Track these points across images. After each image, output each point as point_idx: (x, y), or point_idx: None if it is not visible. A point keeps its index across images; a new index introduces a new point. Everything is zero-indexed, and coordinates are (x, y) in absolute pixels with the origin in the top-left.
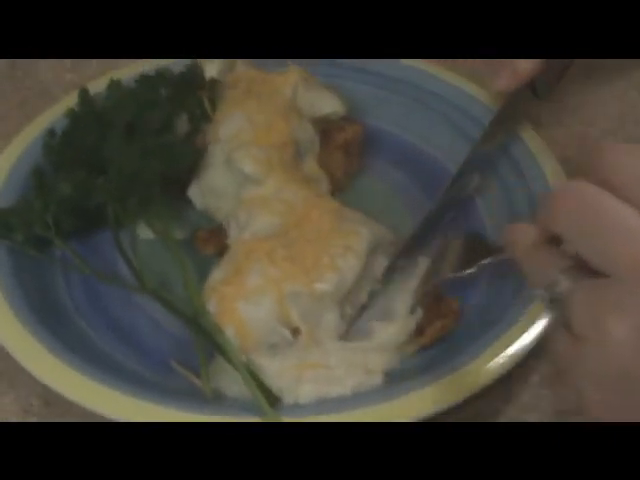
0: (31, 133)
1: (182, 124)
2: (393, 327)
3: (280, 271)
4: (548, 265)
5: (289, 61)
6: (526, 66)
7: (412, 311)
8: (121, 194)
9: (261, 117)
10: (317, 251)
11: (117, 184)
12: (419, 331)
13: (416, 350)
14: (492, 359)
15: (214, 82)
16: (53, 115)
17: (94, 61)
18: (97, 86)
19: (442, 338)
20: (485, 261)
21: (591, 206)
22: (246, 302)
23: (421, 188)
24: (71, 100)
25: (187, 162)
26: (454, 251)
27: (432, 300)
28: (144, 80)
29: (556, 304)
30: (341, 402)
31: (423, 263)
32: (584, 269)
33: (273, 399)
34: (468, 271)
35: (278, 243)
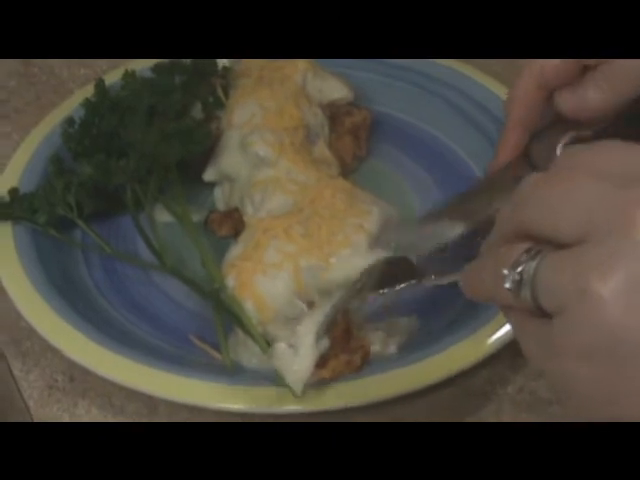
0: (49, 124)
1: (196, 111)
2: (296, 357)
3: (296, 247)
4: (510, 250)
5: None
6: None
7: (319, 338)
8: (141, 176)
9: (273, 103)
10: (331, 228)
11: (137, 166)
12: (323, 362)
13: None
14: (500, 326)
15: (227, 70)
16: (70, 106)
17: None
18: (110, 78)
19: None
20: (404, 284)
21: (548, 184)
22: (264, 276)
23: (427, 170)
24: (86, 93)
25: (205, 145)
26: (375, 273)
27: (341, 333)
28: (160, 69)
29: (520, 288)
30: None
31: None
32: (545, 247)
33: None
34: (383, 291)
35: (294, 220)
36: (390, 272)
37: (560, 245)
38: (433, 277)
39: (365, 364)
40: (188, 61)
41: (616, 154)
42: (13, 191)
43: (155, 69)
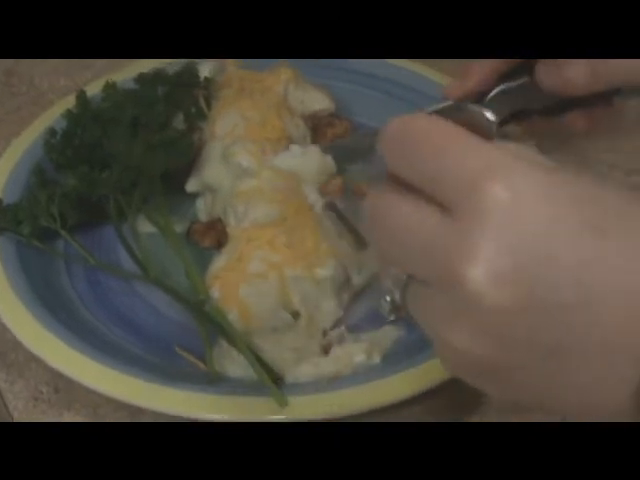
0: (30, 135)
1: (178, 122)
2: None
3: (281, 257)
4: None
5: (279, 61)
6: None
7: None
8: (125, 187)
9: (255, 114)
10: (316, 238)
11: (122, 177)
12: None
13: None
14: None
15: (209, 81)
16: (51, 117)
17: (88, 67)
18: (92, 90)
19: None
20: None
21: (378, 219)
22: (248, 287)
23: None
24: (67, 104)
25: (189, 156)
26: None
27: None
28: (143, 80)
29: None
30: (341, 380)
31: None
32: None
33: (276, 378)
34: None
35: (278, 230)
36: None
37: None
38: None
39: None
40: (171, 72)
41: (442, 160)
42: None
43: (138, 80)
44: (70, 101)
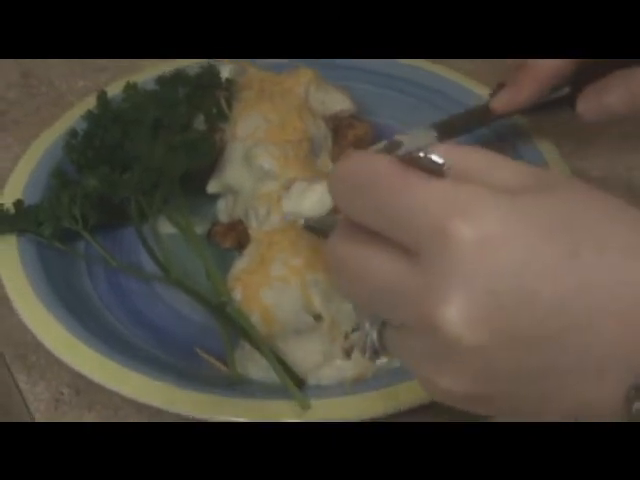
0: (50, 136)
1: (199, 123)
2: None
3: (303, 260)
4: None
5: (298, 62)
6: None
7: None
8: (146, 188)
9: (276, 116)
10: None
11: (143, 179)
12: None
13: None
14: None
15: (230, 83)
16: (70, 118)
17: (106, 68)
18: (112, 90)
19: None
20: None
21: (341, 271)
22: (271, 290)
23: None
24: (86, 105)
25: (210, 157)
26: None
27: None
28: (164, 81)
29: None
30: (363, 383)
31: None
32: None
33: (298, 381)
34: None
35: (300, 234)
36: None
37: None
38: None
39: None
40: (191, 73)
41: (397, 203)
42: (18, 203)
43: (159, 81)
44: (90, 102)
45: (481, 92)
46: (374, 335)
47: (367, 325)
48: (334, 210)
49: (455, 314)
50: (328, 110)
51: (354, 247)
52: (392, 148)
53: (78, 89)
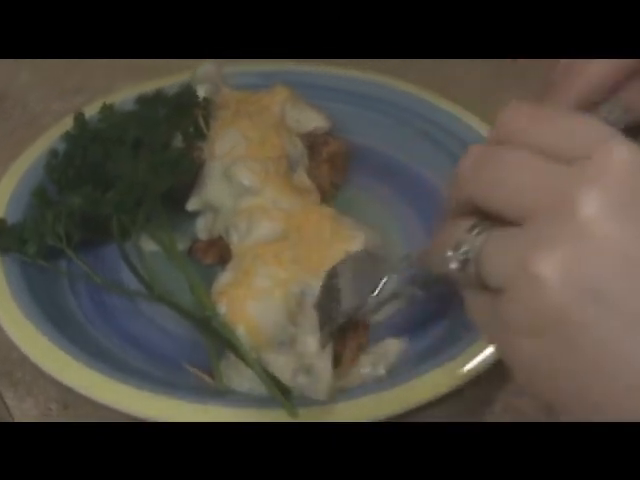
0: (30, 157)
1: (177, 142)
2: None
3: (287, 272)
4: (453, 229)
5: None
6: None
7: (323, 346)
8: (129, 206)
9: (254, 133)
10: (320, 254)
11: (126, 197)
12: (337, 360)
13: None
14: (484, 348)
15: (207, 102)
16: (48, 140)
17: (81, 90)
18: (88, 112)
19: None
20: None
21: (490, 160)
22: (256, 302)
23: (402, 196)
24: (63, 127)
25: (191, 174)
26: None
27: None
28: (144, 100)
29: (466, 266)
30: (347, 392)
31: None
32: (489, 224)
33: (285, 391)
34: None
35: (283, 246)
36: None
37: (505, 221)
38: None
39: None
40: (170, 93)
41: (562, 126)
42: (1, 222)
43: (139, 101)
44: (67, 123)
45: (452, 110)
46: (478, 241)
47: (472, 233)
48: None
49: (599, 201)
50: (303, 128)
51: (504, 149)
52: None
53: (53, 111)
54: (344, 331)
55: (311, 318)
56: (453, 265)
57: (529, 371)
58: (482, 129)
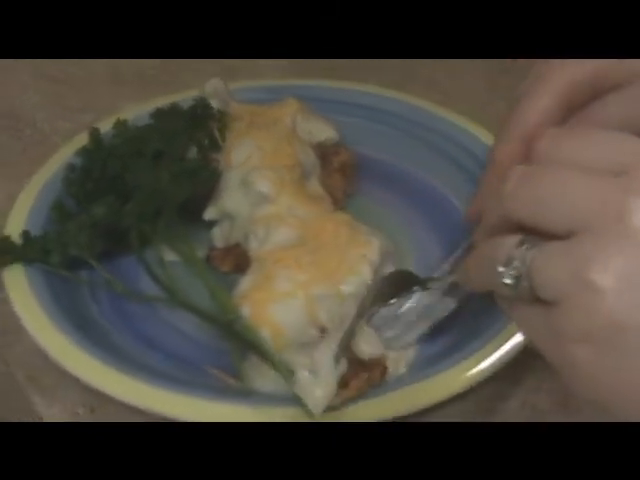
0: (45, 173)
1: (192, 154)
2: (317, 384)
3: (307, 276)
4: (502, 245)
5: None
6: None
7: (337, 361)
8: (150, 216)
9: (268, 143)
10: (337, 258)
11: (147, 206)
12: (344, 383)
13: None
14: (499, 346)
15: (222, 114)
16: (62, 156)
17: (87, 110)
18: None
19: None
20: (409, 292)
21: (533, 178)
22: (277, 305)
23: (409, 203)
24: (74, 143)
25: (210, 184)
26: (378, 287)
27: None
28: (160, 114)
29: (519, 281)
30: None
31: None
32: (537, 238)
33: None
34: (391, 302)
35: (302, 251)
36: (394, 286)
37: (552, 235)
38: (435, 282)
39: (383, 379)
40: (185, 106)
41: (600, 142)
42: (25, 234)
43: (155, 114)
44: (78, 141)
45: (453, 118)
46: (529, 256)
47: (522, 249)
48: None
49: None
50: (314, 138)
51: (549, 167)
52: None
53: (62, 130)
54: (363, 362)
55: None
56: (507, 281)
57: (587, 379)
58: (480, 134)
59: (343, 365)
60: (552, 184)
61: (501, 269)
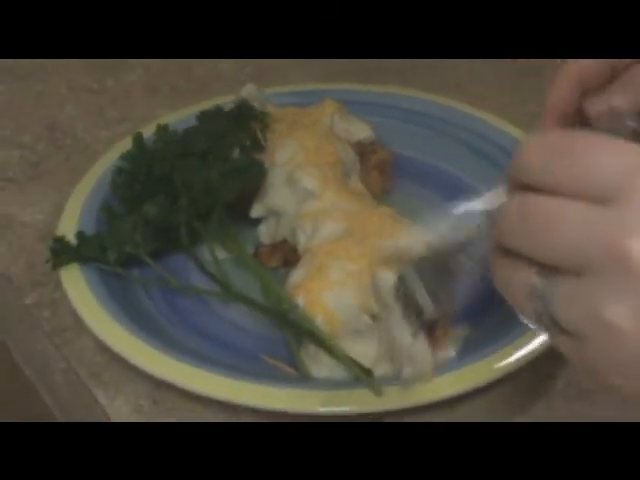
0: (91, 179)
1: (235, 154)
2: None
3: (357, 265)
4: (518, 279)
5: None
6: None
7: (415, 336)
8: (202, 213)
9: (310, 142)
10: (384, 248)
11: (199, 204)
12: (434, 342)
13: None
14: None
15: (264, 115)
16: (107, 161)
17: (124, 120)
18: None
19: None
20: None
21: (531, 216)
22: (331, 293)
23: (444, 199)
24: (116, 150)
25: (259, 181)
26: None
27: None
28: (205, 116)
29: (542, 316)
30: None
31: None
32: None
33: (367, 372)
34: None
35: (350, 243)
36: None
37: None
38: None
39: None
40: (226, 109)
41: (585, 158)
42: (80, 235)
43: (200, 116)
44: (120, 147)
45: (483, 117)
46: (547, 292)
47: (533, 290)
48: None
49: None
50: (352, 137)
51: (546, 199)
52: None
53: (102, 139)
54: (432, 322)
55: (393, 310)
56: (529, 315)
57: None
58: (510, 130)
59: (422, 336)
60: (550, 224)
61: (522, 302)
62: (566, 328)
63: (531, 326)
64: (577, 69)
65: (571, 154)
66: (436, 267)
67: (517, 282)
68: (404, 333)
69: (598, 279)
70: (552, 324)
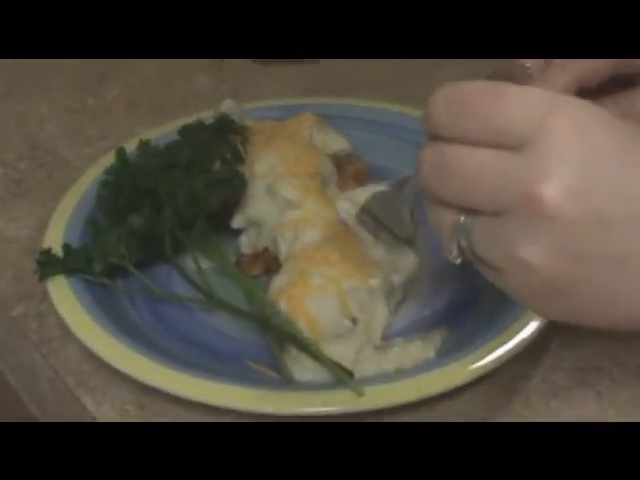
0: (75, 194)
1: (216, 166)
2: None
3: (337, 271)
4: (445, 211)
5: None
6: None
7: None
8: (186, 223)
9: (290, 153)
10: (362, 254)
11: (183, 214)
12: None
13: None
14: (520, 329)
15: (244, 128)
16: (90, 177)
17: (104, 137)
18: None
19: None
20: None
21: (447, 168)
22: (313, 298)
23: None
24: (99, 166)
25: (241, 192)
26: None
27: None
28: (186, 130)
29: (463, 252)
30: (403, 372)
31: None
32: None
33: (348, 374)
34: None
35: (330, 249)
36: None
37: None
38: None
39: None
40: (207, 122)
41: (497, 107)
42: (66, 247)
43: (182, 130)
44: (103, 162)
45: None
46: (462, 237)
47: (457, 229)
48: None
49: (554, 189)
50: (329, 149)
51: (464, 148)
52: (400, 185)
53: (82, 156)
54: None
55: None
56: (454, 252)
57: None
58: None
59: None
60: (465, 174)
61: (447, 242)
62: (488, 263)
63: (456, 262)
64: (577, 69)
65: (477, 104)
66: (386, 201)
67: (444, 220)
68: (380, 250)
69: (513, 220)
70: (475, 259)
